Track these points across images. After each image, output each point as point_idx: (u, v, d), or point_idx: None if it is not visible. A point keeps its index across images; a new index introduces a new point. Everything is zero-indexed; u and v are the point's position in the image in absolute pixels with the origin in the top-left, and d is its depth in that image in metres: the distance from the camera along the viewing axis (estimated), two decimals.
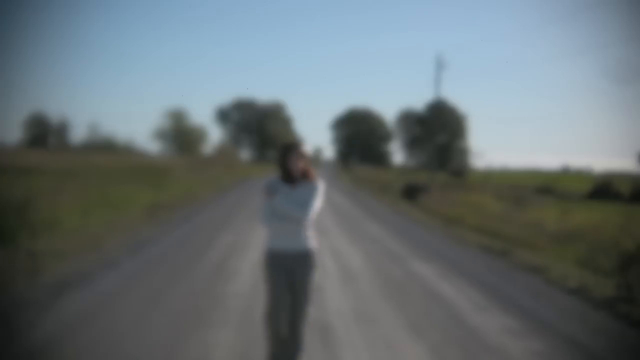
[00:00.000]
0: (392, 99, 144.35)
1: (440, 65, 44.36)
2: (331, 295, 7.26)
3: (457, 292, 7.74)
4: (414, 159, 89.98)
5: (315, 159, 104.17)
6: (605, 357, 5.53)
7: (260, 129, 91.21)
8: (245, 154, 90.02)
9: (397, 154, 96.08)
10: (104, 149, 39.69)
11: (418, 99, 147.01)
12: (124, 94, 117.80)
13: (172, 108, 68.64)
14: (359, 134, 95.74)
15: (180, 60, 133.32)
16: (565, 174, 70.83)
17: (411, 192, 27.10)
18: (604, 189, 36.15)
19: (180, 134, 66.29)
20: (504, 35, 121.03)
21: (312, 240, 4.39)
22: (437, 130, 77.93)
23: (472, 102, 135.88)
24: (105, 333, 5.38)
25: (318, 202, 4.34)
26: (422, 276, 8.76)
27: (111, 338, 5.25)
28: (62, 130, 67.06)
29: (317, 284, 6.39)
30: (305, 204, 4.28)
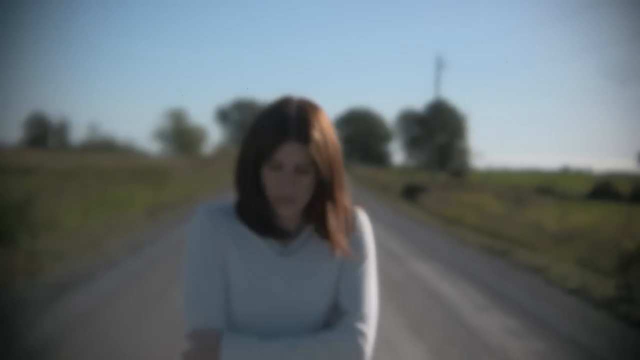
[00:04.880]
0: (392, 99, 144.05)
1: (440, 65, 44.40)
2: None
3: (458, 292, 7.74)
4: (414, 159, 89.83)
5: None
6: (606, 357, 5.52)
7: None
8: None
9: (397, 154, 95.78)
10: (104, 149, 39.72)
11: (418, 99, 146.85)
12: (124, 94, 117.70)
13: (172, 108, 68.69)
14: (359, 134, 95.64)
15: (180, 60, 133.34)
16: (565, 174, 70.69)
17: (411, 192, 27.10)
18: (603, 189, 36.09)
19: (180, 134, 66.31)
20: (504, 35, 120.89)
21: None
22: (437, 130, 77.95)
23: (472, 102, 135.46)
24: (104, 333, 5.37)
25: (374, 293, 1.59)
26: (422, 276, 8.75)
27: (110, 338, 5.24)
28: (62, 130, 66.90)
29: None
30: (339, 312, 1.55)
